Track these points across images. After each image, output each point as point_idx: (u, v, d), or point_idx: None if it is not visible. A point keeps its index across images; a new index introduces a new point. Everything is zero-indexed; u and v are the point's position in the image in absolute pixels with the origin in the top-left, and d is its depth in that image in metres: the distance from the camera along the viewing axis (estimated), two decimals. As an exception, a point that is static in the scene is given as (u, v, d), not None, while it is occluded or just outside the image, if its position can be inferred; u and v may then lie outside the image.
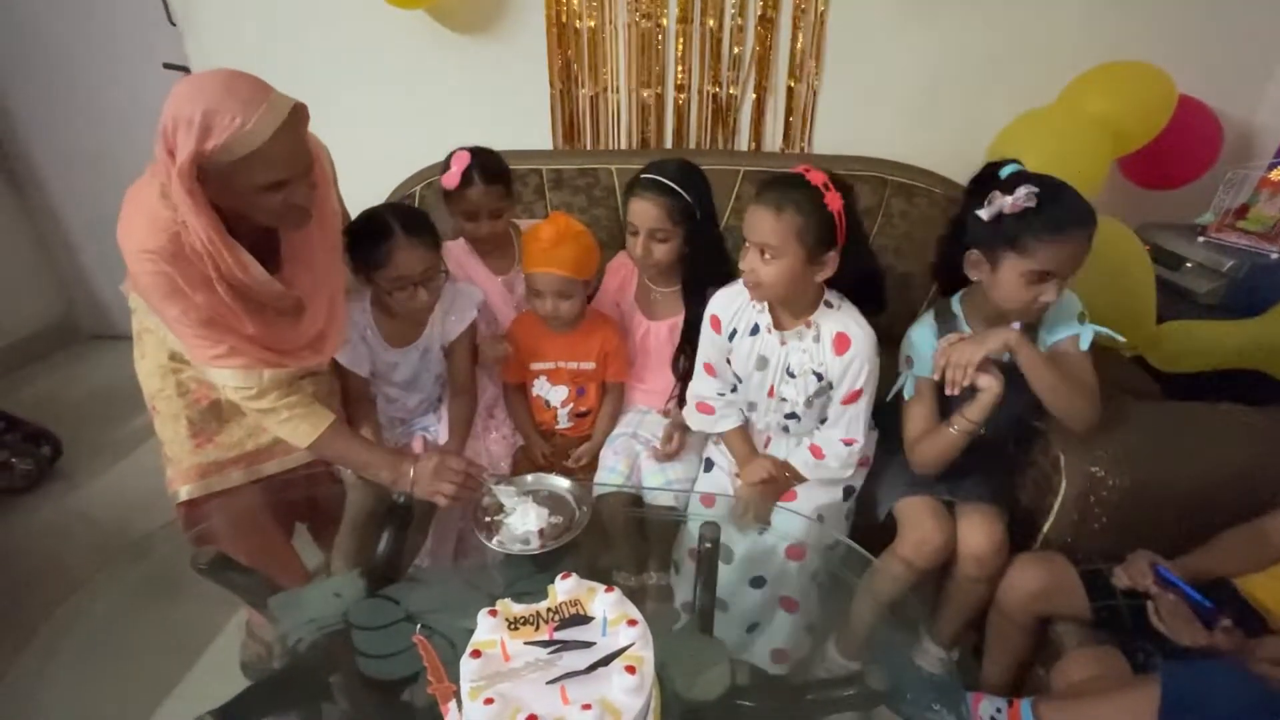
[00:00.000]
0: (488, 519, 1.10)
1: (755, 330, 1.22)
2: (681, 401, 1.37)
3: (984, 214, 1.07)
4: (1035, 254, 1.04)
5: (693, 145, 1.90)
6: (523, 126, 1.90)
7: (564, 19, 1.78)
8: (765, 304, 1.20)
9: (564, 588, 0.82)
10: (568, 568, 0.79)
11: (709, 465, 1.35)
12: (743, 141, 1.88)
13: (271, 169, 0.91)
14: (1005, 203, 1.04)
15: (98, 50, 2.21)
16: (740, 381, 1.27)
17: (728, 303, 1.24)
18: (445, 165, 1.36)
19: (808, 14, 1.70)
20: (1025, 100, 1.62)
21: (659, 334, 1.42)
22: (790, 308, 1.18)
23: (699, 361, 1.29)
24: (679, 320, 1.39)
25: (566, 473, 1.26)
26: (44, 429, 2.00)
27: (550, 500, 1.13)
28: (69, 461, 2.05)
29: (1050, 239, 1.02)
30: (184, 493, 1.15)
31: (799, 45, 1.74)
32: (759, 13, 1.71)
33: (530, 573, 1.07)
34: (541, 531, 1.05)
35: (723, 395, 1.28)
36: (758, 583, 1.21)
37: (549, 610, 0.79)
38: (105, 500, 1.94)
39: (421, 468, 1.12)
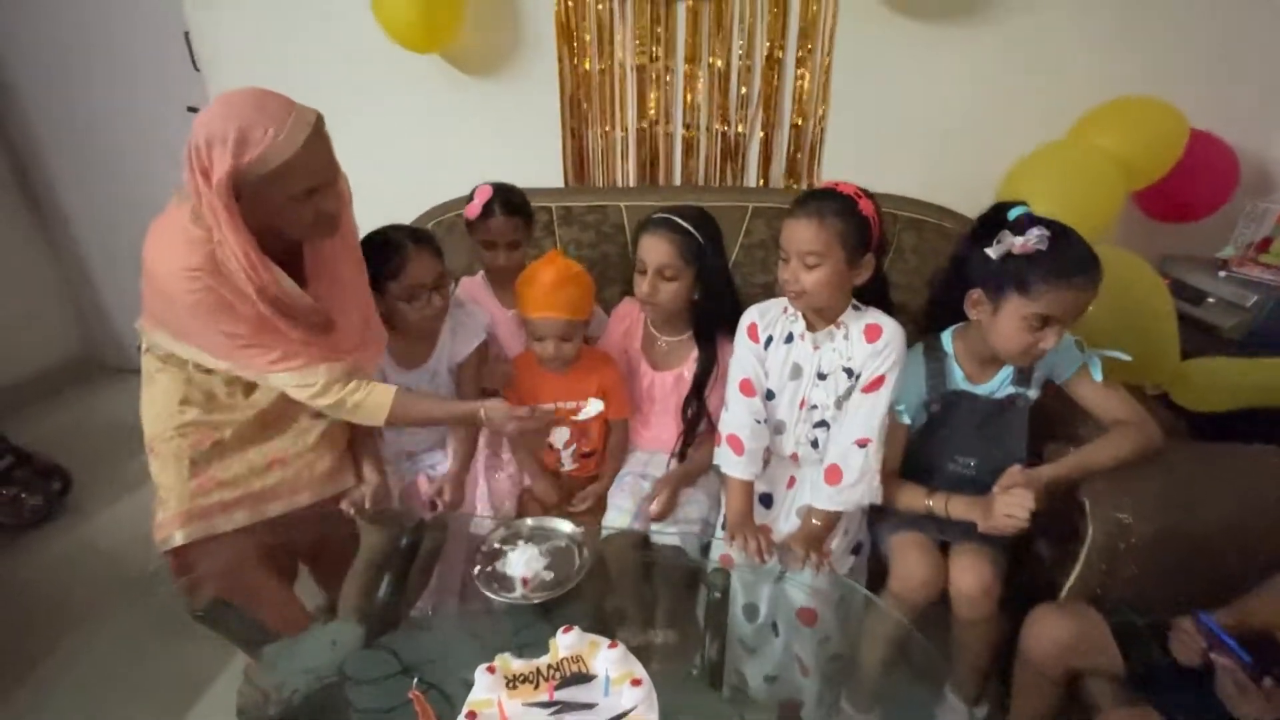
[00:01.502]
0: (489, 566, 1.07)
1: (790, 339, 1.22)
2: (683, 456, 1.35)
3: (993, 252, 1.06)
4: (1040, 297, 1.02)
5: (701, 182, 1.91)
6: (534, 165, 1.93)
7: (575, 60, 1.81)
8: (799, 313, 1.20)
9: (565, 642, 0.79)
10: (572, 615, 0.76)
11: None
12: (751, 178, 1.89)
13: (304, 177, 0.97)
14: (1015, 243, 1.04)
15: (123, 91, 2.28)
16: (771, 398, 1.25)
17: (763, 313, 1.25)
18: (469, 198, 1.46)
19: (814, 54, 1.72)
20: (1035, 135, 1.61)
21: (664, 384, 1.40)
22: (825, 314, 1.18)
23: (732, 383, 1.25)
24: (685, 370, 1.37)
25: (572, 515, 1.23)
26: (55, 464, 2.01)
27: (552, 545, 1.10)
28: (79, 496, 2.05)
29: (1057, 283, 1.01)
30: (179, 537, 1.12)
31: (805, 84, 1.75)
32: (765, 53, 1.73)
33: (533, 620, 1.03)
34: (541, 580, 1.02)
35: (758, 423, 1.24)
36: (776, 630, 1.17)
37: (549, 667, 0.76)
38: (114, 535, 1.93)
39: (492, 409, 1.21)
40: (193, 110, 2.18)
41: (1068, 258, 1.02)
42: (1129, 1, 1.61)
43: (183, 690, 1.23)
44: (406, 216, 1.84)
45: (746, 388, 1.24)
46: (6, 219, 2.50)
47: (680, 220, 1.27)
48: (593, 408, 1.26)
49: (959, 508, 1.13)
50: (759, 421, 1.23)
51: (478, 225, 1.44)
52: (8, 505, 1.91)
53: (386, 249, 1.25)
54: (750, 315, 1.26)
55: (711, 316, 1.33)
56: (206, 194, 0.93)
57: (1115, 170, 1.45)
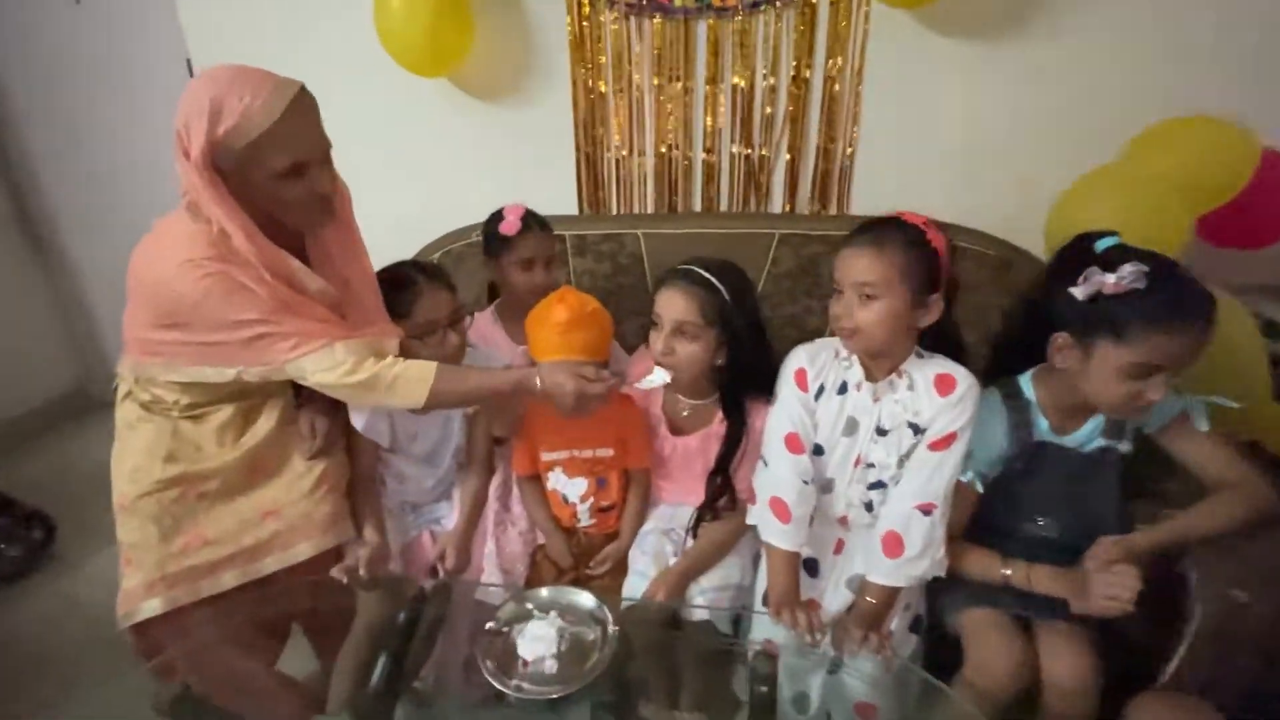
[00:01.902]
0: (497, 647, 0.93)
1: (844, 389, 1.08)
2: (696, 532, 1.20)
3: (1079, 293, 0.93)
4: (1141, 344, 0.89)
5: (724, 208, 1.80)
6: (546, 192, 1.82)
7: (589, 83, 1.72)
8: (854, 359, 1.07)
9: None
10: (589, 702, 0.62)
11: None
12: (776, 204, 1.78)
13: (288, 149, 0.90)
14: (1106, 281, 0.91)
15: (124, 119, 2.21)
16: (819, 453, 1.10)
17: (813, 356, 1.11)
18: (492, 221, 1.43)
19: (844, 72, 1.62)
20: (1082, 158, 1.49)
21: (688, 449, 1.24)
22: (882, 361, 1.05)
23: (775, 437, 1.10)
24: (711, 431, 1.22)
25: (590, 579, 1.10)
26: (37, 510, 1.90)
27: (570, 624, 0.96)
28: (64, 545, 1.93)
29: (1160, 328, 0.88)
30: (155, 605, 1.00)
31: (834, 104, 1.65)
32: (792, 72, 1.63)
33: (550, 713, 0.90)
34: (557, 667, 0.89)
35: (805, 484, 1.08)
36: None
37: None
38: (101, 588, 1.78)
39: (549, 373, 1.08)
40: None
41: (1172, 297, 0.89)
42: (1183, 15, 1.49)
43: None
44: (412, 246, 1.76)
45: (793, 443, 1.09)
46: (2, 249, 2.43)
47: (702, 272, 1.12)
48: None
49: (1045, 580, 0.99)
50: (806, 482, 1.08)
51: (516, 243, 1.39)
52: (-15, 556, 1.79)
53: (395, 286, 1.17)
54: (798, 359, 1.12)
55: (739, 383, 1.17)
56: (189, 173, 0.88)
57: (1179, 194, 1.33)
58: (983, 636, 1.00)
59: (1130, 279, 0.88)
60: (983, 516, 1.11)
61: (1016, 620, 1.02)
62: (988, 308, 1.54)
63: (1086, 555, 0.97)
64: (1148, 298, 0.88)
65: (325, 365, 1.00)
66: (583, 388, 1.07)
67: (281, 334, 0.98)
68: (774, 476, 1.09)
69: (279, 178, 0.91)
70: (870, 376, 1.07)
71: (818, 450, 1.11)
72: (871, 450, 1.07)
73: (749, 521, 1.13)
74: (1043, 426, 1.06)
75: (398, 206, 1.74)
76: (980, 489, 1.08)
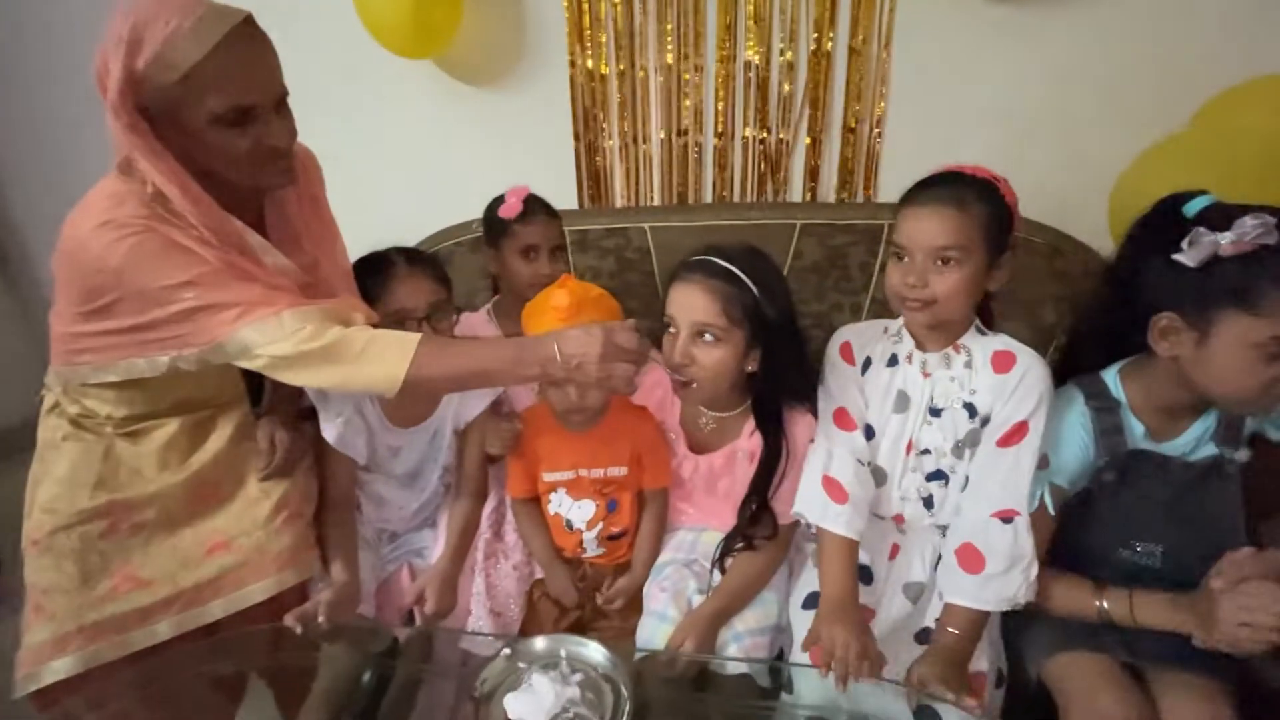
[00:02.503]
0: (485, 714, 0.75)
1: (894, 361, 0.97)
2: (723, 565, 1.02)
3: (1189, 258, 0.77)
4: (1278, 311, 0.72)
5: (737, 198, 1.65)
6: (543, 184, 1.67)
7: (589, 64, 1.58)
8: (904, 332, 0.96)
9: None
10: None
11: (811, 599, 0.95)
12: (796, 192, 1.62)
13: (224, 89, 0.75)
14: (1221, 241, 0.75)
15: (95, 126, 2.07)
16: (870, 436, 0.98)
17: (859, 333, 1.04)
18: (493, 206, 1.32)
19: (869, 43, 1.47)
20: (1142, 132, 1.34)
21: (710, 468, 1.07)
22: (941, 332, 0.94)
23: (824, 418, 0.99)
24: (739, 445, 1.04)
25: (598, 620, 0.92)
26: (-16, 544, 1.72)
27: (576, 683, 0.78)
28: (14, 582, 1.76)
29: None
30: (65, 666, 0.82)
31: (860, 80, 1.50)
32: (812, 46, 1.48)
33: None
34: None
35: (861, 464, 0.95)
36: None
37: None
38: None
39: (572, 340, 0.81)
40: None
41: None
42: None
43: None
44: (404, 239, 1.62)
45: (843, 419, 0.98)
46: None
47: (723, 262, 0.95)
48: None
49: (1153, 611, 0.82)
50: (862, 463, 0.95)
51: (517, 228, 1.27)
52: (-76, 596, 1.61)
53: (369, 268, 1.05)
54: (842, 335, 1.04)
55: (774, 390, 1.01)
56: (110, 118, 0.74)
57: (1266, 163, 1.16)
58: (1085, 689, 0.82)
59: (1255, 233, 0.73)
60: (1065, 543, 0.93)
61: (1125, 668, 0.84)
62: (1036, 299, 1.41)
63: (1211, 573, 0.79)
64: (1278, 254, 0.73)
65: (275, 335, 0.80)
66: (616, 356, 0.80)
67: (221, 304, 0.81)
68: (825, 454, 0.95)
69: (218, 124, 0.76)
70: (921, 347, 0.97)
71: (869, 434, 0.98)
72: (925, 433, 0.95)
73: (796, 510, 0.96)
74: (1138, 432, 0.89)
75: (380, 200, 1.61)
76: (1052, 511, 0.91)
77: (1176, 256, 0.78)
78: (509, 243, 1.28)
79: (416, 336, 0.85)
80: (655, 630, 0.96)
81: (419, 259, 1.09)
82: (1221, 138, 1.22)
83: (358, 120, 1.73)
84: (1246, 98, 1.25)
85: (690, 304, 0.94)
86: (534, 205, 1.29)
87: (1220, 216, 0.77)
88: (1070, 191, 1.44)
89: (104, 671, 0.83)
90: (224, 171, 0.82)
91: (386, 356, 0.82)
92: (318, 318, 0.83)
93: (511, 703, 0.74)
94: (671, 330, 0.97)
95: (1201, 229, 0.77)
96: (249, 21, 0.77)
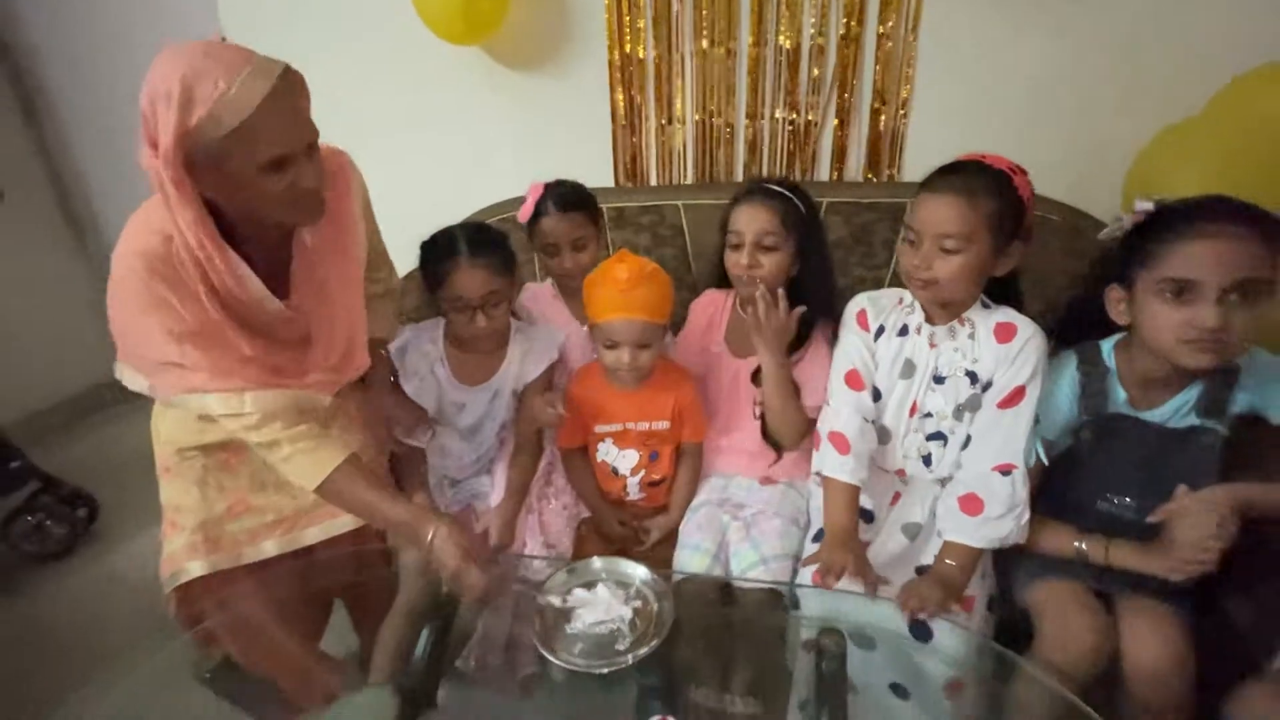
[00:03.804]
0: (547, 620, 0.89)
1: (904, 331, 1.05)
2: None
3: (1105, 235, 0.93)
4: (1169, 257, 0.84)
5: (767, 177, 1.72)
6: (583, 164, 1.76)
7: (626, 49, 1.66)
8: (916, 304, 1.04)
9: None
10: (634, 683, 0.57)
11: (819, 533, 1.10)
12: (823, 171, 1.70)
13: (270, 141, 0.78)
14: (1126, 219, 0.90)
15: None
16: (877, 398, 1.08)
17: (874, 300, 1.12)
18: (523, 201, 1.33)
19: (897, 28, 1.53)
20: (1160, 114, 1.39)
21: (749, 372, 1.21)
22: (950, 308, 1.01)
23: (837, 375, 1.10)
24: None
25: (638, 556, 1.05)
26: (80, 490, 1.91)
27: (624, 596, 0.91)
28: (106, 524, 1.95)
29: (1180, 237, 0.83)
30: (196, 568, 0.97)
31: (887, 63, 1.56)
32: (841, 30, 1.55)
33: (596, 690, 0.85)
34: (613, 637, 0.84)
35: (866, 421, 1.06)
36: (901, 692, 0.95)
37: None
38: (143, 567, 1.79)
39: (444, 537, 0.89)
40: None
41: (1192, 205, 0.85)
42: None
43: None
44: (445, 220, 1.71)
45: (854, 379, 1.08)
46: (39, 237, 2.45)
47: (777, 188, 1.15)
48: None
49: (1126, 556, 0.91)
50: (867, 420, 1.06)
51: (533, 229, 1.30)
52: (31, 534, 1.81)
53: (440, 253, 1.14)
54: (859, 302, 1.12)
55: (812, 291, 1.15)
56: (155, 167, 0.76)
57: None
58: (1059, 611, 0.93)
59: (1144, 207, 0.88)
60: (1050, 492, 1.03)
61: (1097, 595, 0.95)
62: (1053, 275, 1.46)
63: (1162, 509, 0.90)
64: (1166, 214, 0.87)
65: (232, 409, 0.87)
66: (463, 572, 0.88)
67: (191, 367, 0.85)
68: (834, 414, 1.08)
69: (260, 171, 0.80)
70: (930, 320, 1.05)
71: (876, 395, 1.08)
72: (928, 398, 1.04)
73: (814, 467, 1.09)
74: (1120, 398, 0.98)
75: (431, 181, 1.71)
76: (1045, 460, 1.01)
77: (1099, 235, 0.93)
78: (533, 240, 1.32)
79: (338, 459, 0.91)
80: (690, 558, 1.10)
81: (483, 247, 1.13)
82: (1237, 122, 1.26)
83: (407, 104, 1.82)
84: (1264, 83, 1.29)
85: (755, 219, 1.12)
86: (545, 205, 1.28)
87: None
88: (1088, 171, 1.50)
89: (225, 578, 0.99)
90: (259, 211, 0.85)
91: (304, 471, 0.91)
92: (269, 406, 0.88)
93: (576, 605, 0.87)
94: (735, 245, 1.15)
95: (1122, 214, 0.91)
96: (287, 72, 0.80)
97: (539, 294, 1.40)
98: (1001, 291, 1.03)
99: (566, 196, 1.29)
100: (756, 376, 1.19)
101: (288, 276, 0.93)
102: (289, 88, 0.80)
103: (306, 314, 0.93)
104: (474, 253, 1.12)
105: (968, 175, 0.94)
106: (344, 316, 0.99)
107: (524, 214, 1.30)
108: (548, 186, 1.30)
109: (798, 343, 1.16)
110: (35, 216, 2.43)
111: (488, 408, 1.25)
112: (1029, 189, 0.95)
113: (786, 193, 1.14)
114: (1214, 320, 0.81)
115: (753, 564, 1.07)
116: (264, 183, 0.80)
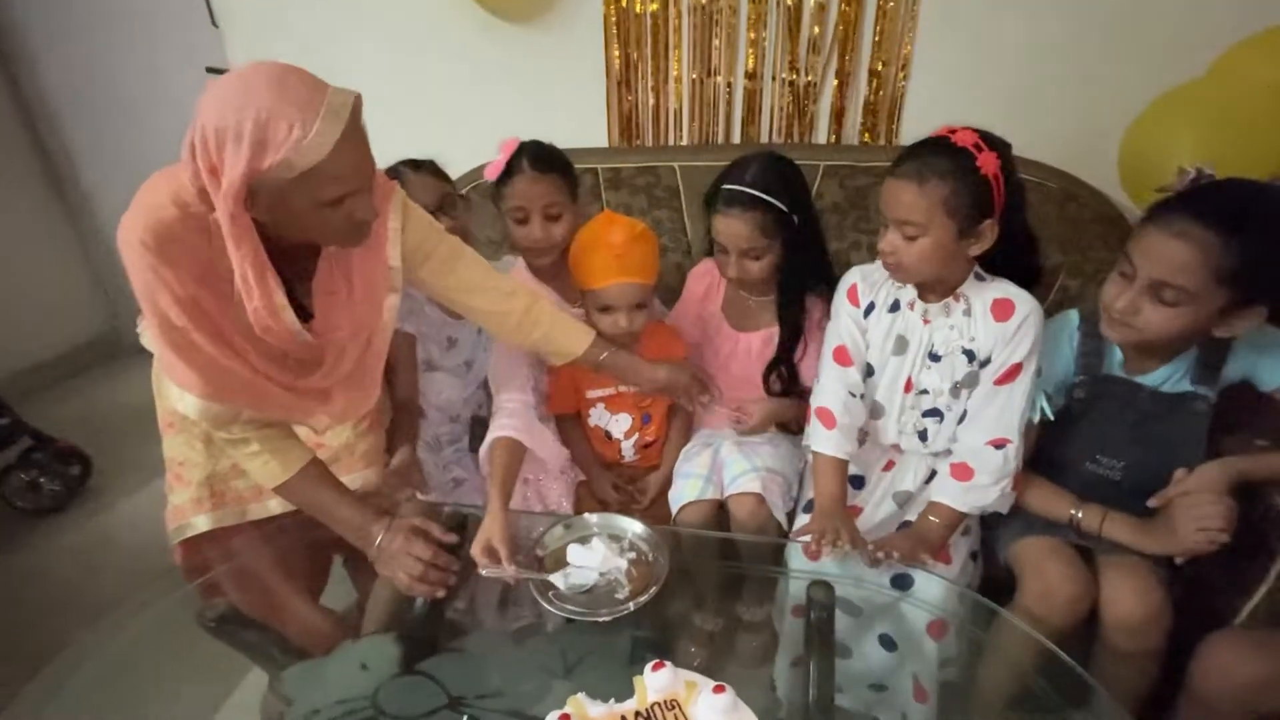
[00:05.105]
0: (546, 570, 0.91)
1: (895, 307, 1.04)
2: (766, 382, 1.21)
3: (1159, 189, 0.93)
4: (1135, 234, 0.90)
5: (764, 139, 1.71)
6: (577, 123, 1.75)
7: (624, 3, 1.62)
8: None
9: (656, 683, 0.62)
10: (629, 635, 0.59)
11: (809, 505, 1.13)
12: (821, 134, 1.68)
13: (337, 182, 0.77)
14: (1178, 181, 0.92)
15: (141, 55, 2.16)
16: (870, 374, 1.08)
17: (866, 274, 1.10)
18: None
19: (901, -15, 1.50)
20: (1159, 78, 1.38)
21: (750, 348, 1.22)
22: (938, 286, 1.01)
23: (826, 351, 1.10)
24: (775, 331, 1.19)
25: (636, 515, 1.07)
26: (74, 447, 1.91)
27: (621, 547, 0.94)
28: (100, 480, 1.96)
29: (1152, 218, 0.88)
30: (201, 522, 1.00)
31: (888, 22, 1.53)
32: (844, -14, 1.52)
33: (592, 639, 0.88)
34: (608, 588, 0.86)
35: (853, 396, 1.07)
36: (888, 644, 0.99)
37: (638, 715, 0.60)
38: (135, 523, 1.83)
39: (390, 539, 0.93)
40: (213, 71, 2.04)
41: (1188, 195, 0.88)
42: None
43: (199, 702, 1.11)
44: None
45: (841, 355, 1.08)
46: (26, 194, 2.41)
47: (753, 192, 1.08)
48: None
49: (1122, 530, 0.94)
50: (854, 395, 1.07)
51: (504, 191, 1.16)
52: (25, 490, 1.82)
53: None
54: (852, 276, 1.10)
55: (799, 278, 1.17)
56: (213, 195, 0.74)
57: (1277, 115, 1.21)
58: (1041, 564, 0.96)
59: (1189, 175, 0.90)
60: (1042, 451, 1.06)
61: (1077, 550, 0.98)
62: (1048, 241, 1.47)
63: (1161, 494, 0.92)
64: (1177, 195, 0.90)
65: (205, 416, 0.86)
66: (413, 582, 0.92)
67: (185, 359, 0.83)
68: (822, 389, 1.09)
69: (320, 206, 0.78)
70: (924, 297, 1.03)
71: (869, 371, 1.09)
72: (924, 376, 1.04)
73: (805, 442, 1.11)
74: (1115, 360, 1.00)
75: (415, 136, 1.65)
76: (1050, 415, 1.02)
77: (1155, 189, 0.91)
78: (502, 206, 1.18)
79: (302, 463, 0.93)
80: (684, 486, 1.14)
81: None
82: (1236, 88, 1.26)
83: (394, 54, 1.77)
84: (1265, 49, 1.28)
85: (735, 233, 1.11)
86: (519, 163, 1.15)
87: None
88: (1088, 136, 1.48)
89: (229, 533, 1.01)
90: (307, 237, 0.84)
91: (267, 470, 0.92)
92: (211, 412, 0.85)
93: (573, 552, 0.90)
94: (721, 251, 1.15)
95: None
96: (356, 109, 0.77)
97: (514, 274, 1.29)
98: (1020, 263, 1.01)
99: (543, 157, 1.16)
100: (769, 380, 1.21)
101: (309, 283, 0.91)
102: (356, 127, 0.77)
103: (324, 326, 0.91)
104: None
105: (923, 159, 0.91)
106: (358, 331, 0.95)
107: (493, 170, 1.16)
108: (523, 144, 1.16)
109: (796, 332, 1.18)
110: (21, 176, 2.37)
111: (478, 339, 1.27)
112: (994, 165, 0.89)
113: (765, 197, 1.08)
114: (1123, 303, 0.88)
115: (744, 471, 1.09)
116: (322, 215, 0.79)
